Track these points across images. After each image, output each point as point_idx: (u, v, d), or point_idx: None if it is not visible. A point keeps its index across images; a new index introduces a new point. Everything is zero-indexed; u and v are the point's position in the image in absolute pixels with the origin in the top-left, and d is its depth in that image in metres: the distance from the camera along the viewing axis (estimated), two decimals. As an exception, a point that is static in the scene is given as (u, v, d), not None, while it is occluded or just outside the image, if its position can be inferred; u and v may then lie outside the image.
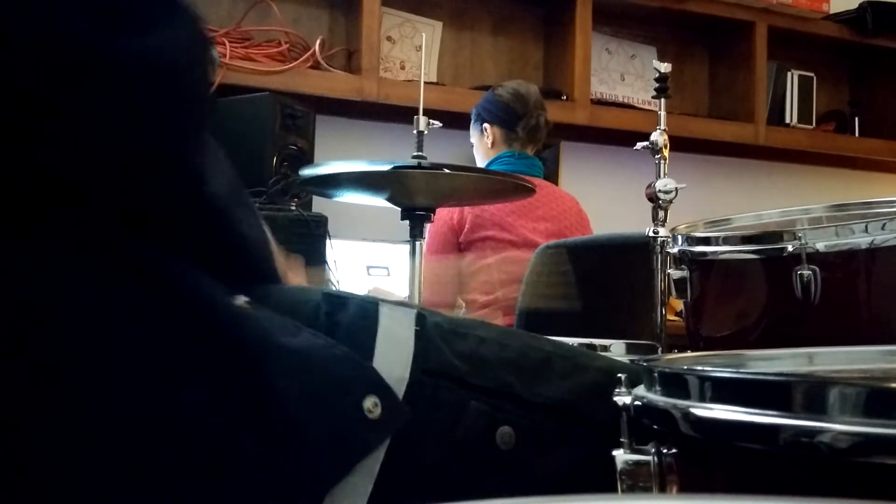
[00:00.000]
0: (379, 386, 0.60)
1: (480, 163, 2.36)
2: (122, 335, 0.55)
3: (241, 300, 0.61)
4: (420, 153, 1.54)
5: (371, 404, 0.59)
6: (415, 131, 1.59)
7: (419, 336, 0.66)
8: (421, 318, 0.67)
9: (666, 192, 1.29)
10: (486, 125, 2.32)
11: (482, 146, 2.34)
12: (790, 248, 0.90)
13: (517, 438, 0.65)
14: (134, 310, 0.56)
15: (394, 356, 0.64)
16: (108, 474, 0.53)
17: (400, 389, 0.63)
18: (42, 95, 0.51)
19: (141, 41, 0.52)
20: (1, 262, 0.53)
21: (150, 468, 0.53)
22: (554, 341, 0.75)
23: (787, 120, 3.21)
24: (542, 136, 2.34)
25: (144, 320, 0.56)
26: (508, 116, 2.29)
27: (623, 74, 3.14)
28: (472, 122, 2.37)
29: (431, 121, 1.60)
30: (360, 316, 0.66)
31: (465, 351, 0.68)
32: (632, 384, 0.56)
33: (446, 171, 1.48)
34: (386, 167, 1.44)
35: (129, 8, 0.52)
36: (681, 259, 1.06)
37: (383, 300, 0.69)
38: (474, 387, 0.66)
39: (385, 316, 0.66)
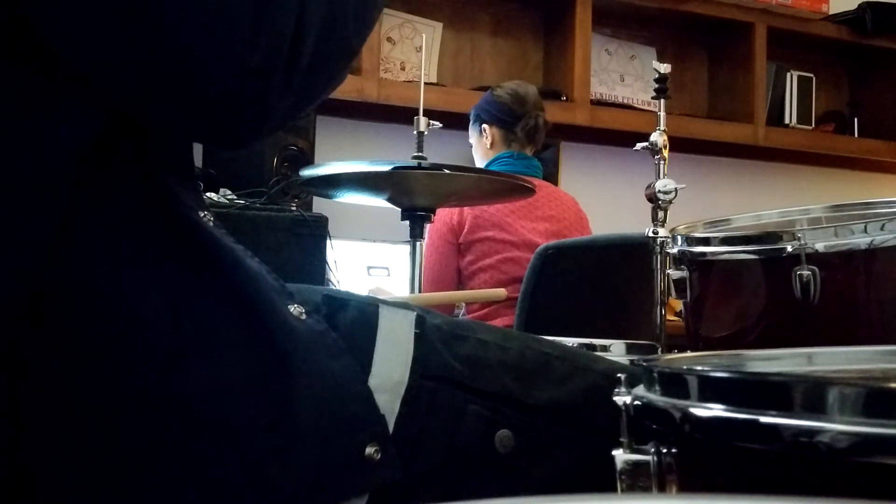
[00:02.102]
0: (384, 437, 0.61)
1: (479, 163, 2.36)
2: (185, 325, 0.56)
3: (298, 309, 0.62)
4: (420, 154, 1.55)
5: (372, 451, 0.60)
6: (415, 132, 1.59)
7: (419, 339, 0.66)
8: (421, 321, 0.67)
9: (665, 193, 1.29)
10: (484, 126, 2.32)
11: (481, 147, 2.34)
12: (789, 249, 0.90)
13: (516, 442, 0.65)
14: (198, 299, 0.57)
15: (393, 359, 0.64)
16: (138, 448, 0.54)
17: (399, 393, 0.63)
18: None
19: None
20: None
21: (163, 447, 0.54)
22: (554, 343, 0.75)
23: (787, 120, 3.21)
24: (540, 136, 2.34)
25: (207, 311, 0.57)
26: (507, 117, 2.29)
27: (623, 75, 3.14)
28: (471, 122, 2.37)
29: (431, 121, 1.60)
30: (360, 318, 0.66)
31: (465, 354, 0.67)
32: (631, 385, 0.56)
33: (446, 171, 1.48)
34: (386, 168, 1.44)
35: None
36: (680, 259, 1.06)
37: (383, 302, 0.69)
38: (473, 390, 0.66)
39: (385, 318, 0.66)
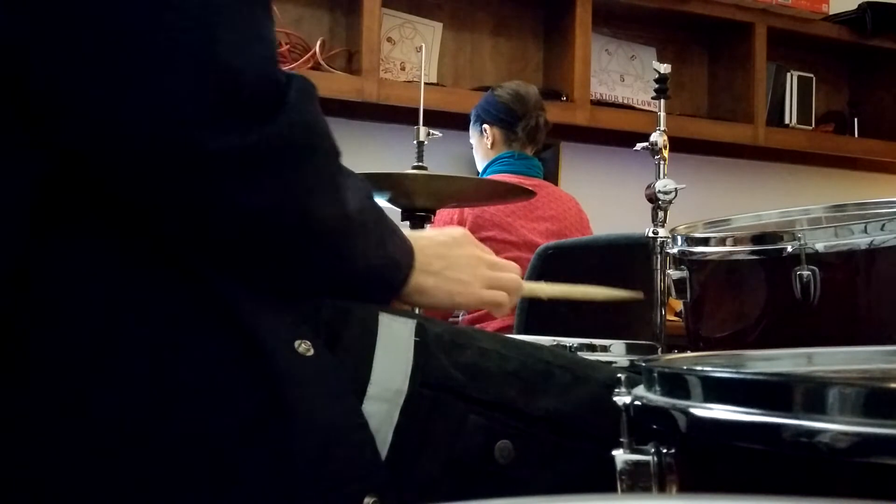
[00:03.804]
0: (384, 487, 0.59)
1: (480, 164, 2.36)
2: (174, 363, 0.55)
3: (304, 346, 0.60)
4: (420, 164, 1.55)
5: (371, 502, 0.58)
6: (415, 142, 1.59)
7: (419, 347, 0.65)
8: (421, 329, 0.66)
9: (665, 193, 1.29)
10: (485, 126, 2.32)
11: (482, 147, 2.34)
12: (789, 249, 0.90)
13: (516, 452, 0.65)
14: (191, 341, 0.56)
15: (393, 368, 0.63)
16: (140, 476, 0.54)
17: (398, 402, 0.62)
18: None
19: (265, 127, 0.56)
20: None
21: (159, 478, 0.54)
22: (555, 351, 0.75)
23: (787, 121, 3.21)
24: (541, 136, 2.34)
25: (199, 352, 0.56)
26: (508, 117, 2.29)
27: (623, 75, 3.14)
28: (472, 123, 2.37)
29: (431, 131, 1.60)
30: (360, 327, 0.65)
31: (466, 363, 0.67)
32: (631, 385, 0.56)
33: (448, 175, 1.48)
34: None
35: (250, 105, 0.56)
36: (680, 259, 1.06)
37: (384, 309, 0.67)
38: (474, 400, 0.65)
39: (385, 326, 0.65)
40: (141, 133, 0.53)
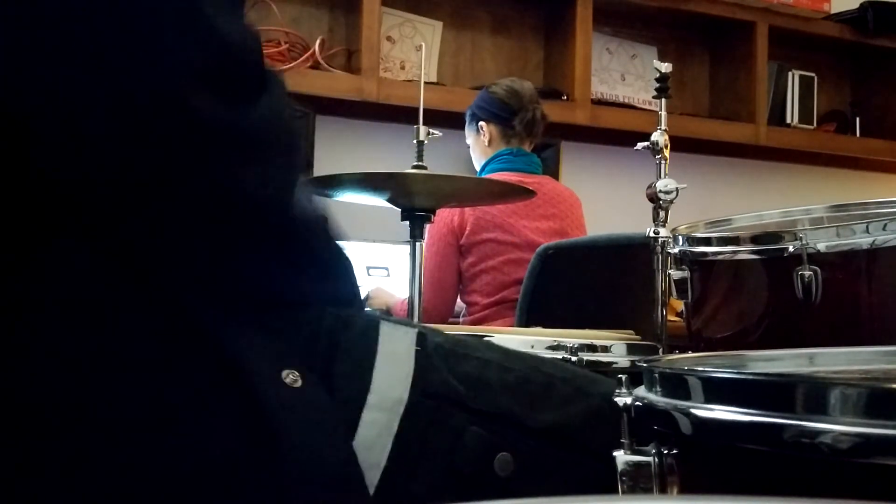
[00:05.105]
0: None
1: (478, 162, 2.35)
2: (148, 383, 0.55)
3: (291, 376, 0.58)
4: (420, 163, 1.55)
5: None
6: (415, 141, 1.58)
7: (420, 357, 0.64)
8: (422, 338, 0.66)
9: (666, 193, 1.29)
10: (481, 123, 2.31)
11: (479, 145, 2.33)
12: (791, 249, 0.90)
13: (516, 465, 0.64)
14: (171, 370, 0.55)
15: (393, 377, 0.63)
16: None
17: (398, 411, 0.61)
18: (155, 162, 0.55)
19: (249, 111, 0.57)
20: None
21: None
22: (557, 363, 0.74)
23: (788, 120, 3.20)
24: (538, 130, 2.33)
25: (181, 379, 0.56)
26: (504, 112, 2.28)
27: (623, 74, 3.14)
28: (467, 122, 2.36)
29: (431, 130, 1.60)
30: (361, 336, 0.64)
31: (467, 373, 0.66)
32: (633, 388, 0.56)
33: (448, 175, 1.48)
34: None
35: (238, 80, 0.57)
36: (681, 259, 1.06)
37: (385, 318, 0.67)
38: (474, 411, 0.64)
39: (385, 335, 0.65)
40: (138, 93, 0.52)
